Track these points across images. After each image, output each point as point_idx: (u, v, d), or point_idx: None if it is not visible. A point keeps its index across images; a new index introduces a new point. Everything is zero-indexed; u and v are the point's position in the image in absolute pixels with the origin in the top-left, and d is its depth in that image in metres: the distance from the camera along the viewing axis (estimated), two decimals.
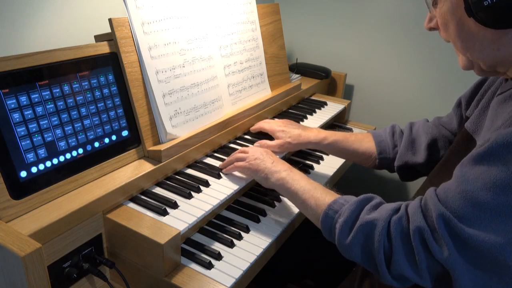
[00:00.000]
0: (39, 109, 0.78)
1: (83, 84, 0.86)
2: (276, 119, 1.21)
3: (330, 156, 1.31)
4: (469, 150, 0.67)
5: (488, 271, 0.61)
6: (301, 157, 1.28)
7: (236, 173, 1.01)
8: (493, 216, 0.60)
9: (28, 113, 0.76)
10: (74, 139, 0.84)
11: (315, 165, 1.25)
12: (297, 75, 1.68)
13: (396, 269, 0.67)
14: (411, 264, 0.66)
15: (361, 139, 1.09)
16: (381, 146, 1.06)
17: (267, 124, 1.18)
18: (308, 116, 1.41)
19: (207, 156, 1.10)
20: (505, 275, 0.61)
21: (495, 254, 0.59)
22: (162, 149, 0.95)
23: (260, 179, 0.94)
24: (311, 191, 0.84)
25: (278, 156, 0.99)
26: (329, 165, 1.26)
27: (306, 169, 1.22)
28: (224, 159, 1.05)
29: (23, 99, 0.76)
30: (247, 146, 1.15)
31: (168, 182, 0.97)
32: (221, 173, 1.01)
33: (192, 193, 0.93)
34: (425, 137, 1.01)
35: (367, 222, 0.70)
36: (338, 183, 1.26)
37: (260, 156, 0.96)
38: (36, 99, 0.78)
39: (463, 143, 0.78)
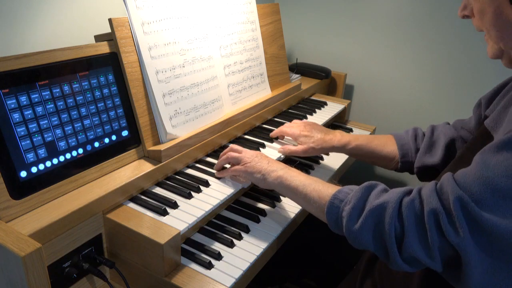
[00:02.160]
0: (39, 109, 0.78)
1: (83, 84, 0.86)
2: (297, 122, 1.20)
3: (331, 156, 1.31)
4: (485, 146, 0.67)
5: (499, 257, 0.61)
6: (301, 157, 1.28)
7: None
8: (511, 203, 0.60)
9: (28, 113, 0.76)
10: (74, 139, 0.84)
11: (314, 165, 1.25)
12: (297, 75, 1.68)
13: (407, 251, 0.67)
14: (423, 245, 0.66)
15: (384, 142, 1.09)
16: (404, 149, 1.06)
17: (289, 129, 1.16)
18: (308, 116, 1.41)
19: (207, 156, 1.10)
20: None
21: (510, 240, 0.59)
22: (162, 149, 0.95)
23: (257, 180, 0.93)
24: (312, 185, 0.83)
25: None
26: (330, 163, 1.26)
27: (306, 169, 1.22)
28: None
29: (23, 99, 0.76)
30: (247, 146, 1.16)
31: (168, 182, 0.97)
32: None
33: (192, 193, 0.93)
34: (444, 138, 1.01)
35: (377, 205, 0.70)
36: (339, 182, 1.26)
37: (255, 158, 0.95)
38: (36, 99, 0.78)
39: (480, 140, 0.78)
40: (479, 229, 0.61)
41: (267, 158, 0.96)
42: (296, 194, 0.86)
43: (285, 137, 1.22)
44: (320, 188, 0.81)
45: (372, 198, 0.72)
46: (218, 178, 0.99)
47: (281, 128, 1.19)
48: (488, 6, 0.68)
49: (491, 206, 0.61)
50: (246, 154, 0.97)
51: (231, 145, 1.03)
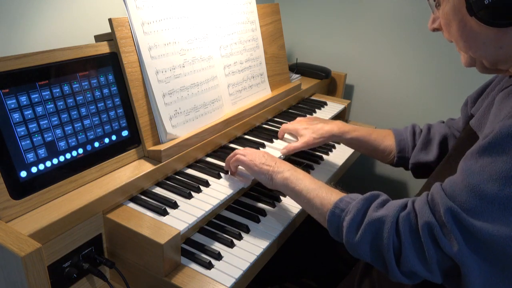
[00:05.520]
0: (39, 109, 0.78)
1: (83, 84, 0.86)
2: (299, 118, 1.23)
3: (331, 155, 1.31)
4: (471, 146, 0.67)
5: (497, 265, 0.61)
6: (301, 157, 1.28)
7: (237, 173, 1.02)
8: (501, 208, 0.59)
9: (28, 113, 0.76)
10: (74, 139, 0.84)
11: (315, 164, 1.25)
12: (297, 75, 1.68)
13: (406, 266, 0.67)
14: (420, 259, 0.66)
15: (383, 136, 1.11)
16: (401, 145, 1.07)
17: (290, 125, 1.20)
18: (308, 116, 1.41)
19: (207, 156, 1.10)
20: None
21: (504, 246, 0.59)
22: (162, 149, 0.95)
23: (265, 180, 0.94)
24: (316, 190, 0.83)
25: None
26: (331, 163, 1.26)
27: (307, 169, 1.22)
28: (224, 160, 1.05)
29: (23, 99, 0.76)
30: (247, 146, 1.15)
31: (168, 182, 0.97)
32: (221, 173, 1.01)
33: (192, 193, 0.93)
34: (438, 136, 1.03)
35: (375, 219, 0.70)
36: (338, 182, 1.26)
37: (262, 159, 0.95)
38: (36, 99, 0.78)
39: (467, 140, 0.78)
40: (473, 238, 0.62)
41: (274, 159, 0.95)
42: (300, 198, 0.87)
43: (286, 134, 1.23)
44: (323, 195, 0.82)
45: (371, 210, 0.72)
46: (219, 178, 0.99)
47: (284, 126, 1.21)
48: (453, 19, 0.70)
49: (481, 213, 0.61)
50: (253, 154, 0.97)
51: (236, 151, 1.03)
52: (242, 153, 0.99)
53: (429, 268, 0.66)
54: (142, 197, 0.91)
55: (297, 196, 0.87)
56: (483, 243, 0.61)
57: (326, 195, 0.81)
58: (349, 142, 1.13)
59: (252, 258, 0.86)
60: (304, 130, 1.14)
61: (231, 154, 1.01)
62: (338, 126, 1.12)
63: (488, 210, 0.60)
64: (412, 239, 0.67)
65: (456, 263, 0.63)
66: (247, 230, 0.94)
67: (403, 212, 0.69)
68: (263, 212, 1.00)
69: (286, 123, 1.33)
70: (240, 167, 1.00)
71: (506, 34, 0.65)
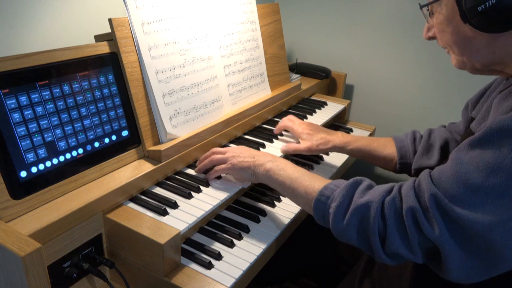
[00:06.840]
0: (39, 109, 0.78)
1: (83, 84, 0.86)
2: (301, 121, 1.22)
3: (331, 155, 1.31)
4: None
5: (475, 251, 0.63)
6: (301, 157, 1.28)
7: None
8: (483, 197, 0.62)
9: (28, 113, 0.76)
10: (74, 139, 0.84)
11: (314, 164, 1.25)
12: (297, 75, 1.68)
13: (390, 248, 0.69)
14: (404, 242, 0.68)
15: (384, 144, 1.12)
16: (402, 151, 1.08)
17: (294, 125, 1.19)
18: (308, 116, 1.41)
19: None
20: (490, 255, 0.62)
21: (483, 234, 0.61)
22: (162, 149, 0.95)
23: (247, 176, 0.94)
24: (299, 179, 0.85)
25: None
26: (330, 163, 1.26)
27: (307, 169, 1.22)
28: None
29: (23, 99, 0.76)
30: (247, 146, 1.15)
31: (168, 182, 0.97)
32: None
33: (192, 193, 0.93)
34: (439, 141, 1.04)
35: (361, 204, 0.72)
36: None
37: (240, 154, 0.96)
38: (36, 99, 0.78)
39: None
40: (454, 225, 0.64)
41: (253, 152, 0.96)
42: (284, 188, 0.88)
43: (287, 135, 1.23)
44: (307, 183, 0.83)
45: (356, 196, 0.74)
46: (219, 178, 0.99)
47: (285, 123, 1.21)
48: (447, 27, 0.73)
49: (464, 201, 0.63)
50: (231, 153, 0.97)
51: (213, 149, 1.03)
52: (218, 151, 1.00)
53: (411, 250, 0.68)
54: (142, 197, 0.91)
55: (281, 186, 0.88)
56: (463, 230, 0.63)
57: (310, 183, 0.82)
58: (350, 152, 1.14)
59: (252, 258, 0.86)
60: (307, 135, 1.14)
61: (208, 160, 1.00)
62: (339, 138, 1.13)
63: (470, 199, 0.63)
64: (396, 222, 0.69)
65: (436, 246, 0.65)
66: (247, 230, 0.94)
67: (388, 196, 0.72)
68: (263, 212, 1.00)
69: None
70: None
71: (498, 39, 0.67)
